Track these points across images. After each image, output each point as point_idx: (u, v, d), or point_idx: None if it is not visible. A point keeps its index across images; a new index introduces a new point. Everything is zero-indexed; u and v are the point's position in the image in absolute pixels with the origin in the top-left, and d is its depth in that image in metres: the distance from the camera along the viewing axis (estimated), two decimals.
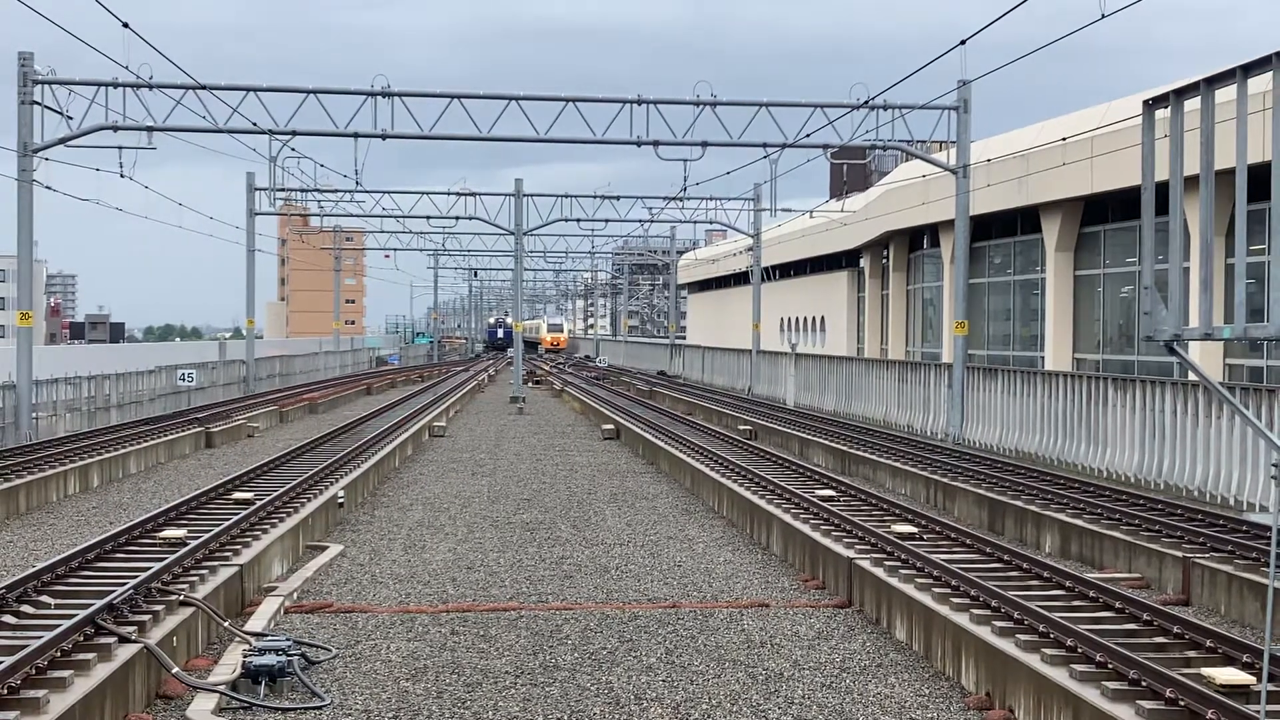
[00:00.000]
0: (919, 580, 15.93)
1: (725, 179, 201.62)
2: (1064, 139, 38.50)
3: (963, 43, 30.88)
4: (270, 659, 12.52)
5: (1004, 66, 30.62)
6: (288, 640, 13.40)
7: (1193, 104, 6.75)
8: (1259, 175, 5.95)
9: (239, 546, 18.30)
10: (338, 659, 13.91)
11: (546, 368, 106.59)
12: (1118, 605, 14.50)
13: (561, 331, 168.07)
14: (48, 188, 38.14)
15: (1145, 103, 7.11)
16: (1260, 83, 6.44)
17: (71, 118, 36.82)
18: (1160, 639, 13.20)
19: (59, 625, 12.64)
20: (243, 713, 11.94)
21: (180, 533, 19.12)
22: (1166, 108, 6.87)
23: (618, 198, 66.50)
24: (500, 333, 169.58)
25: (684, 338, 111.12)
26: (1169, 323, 6.90)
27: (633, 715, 11.99)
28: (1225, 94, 6.54)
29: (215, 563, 17.02)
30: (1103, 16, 22.10)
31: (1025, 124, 47.66)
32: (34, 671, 11.30)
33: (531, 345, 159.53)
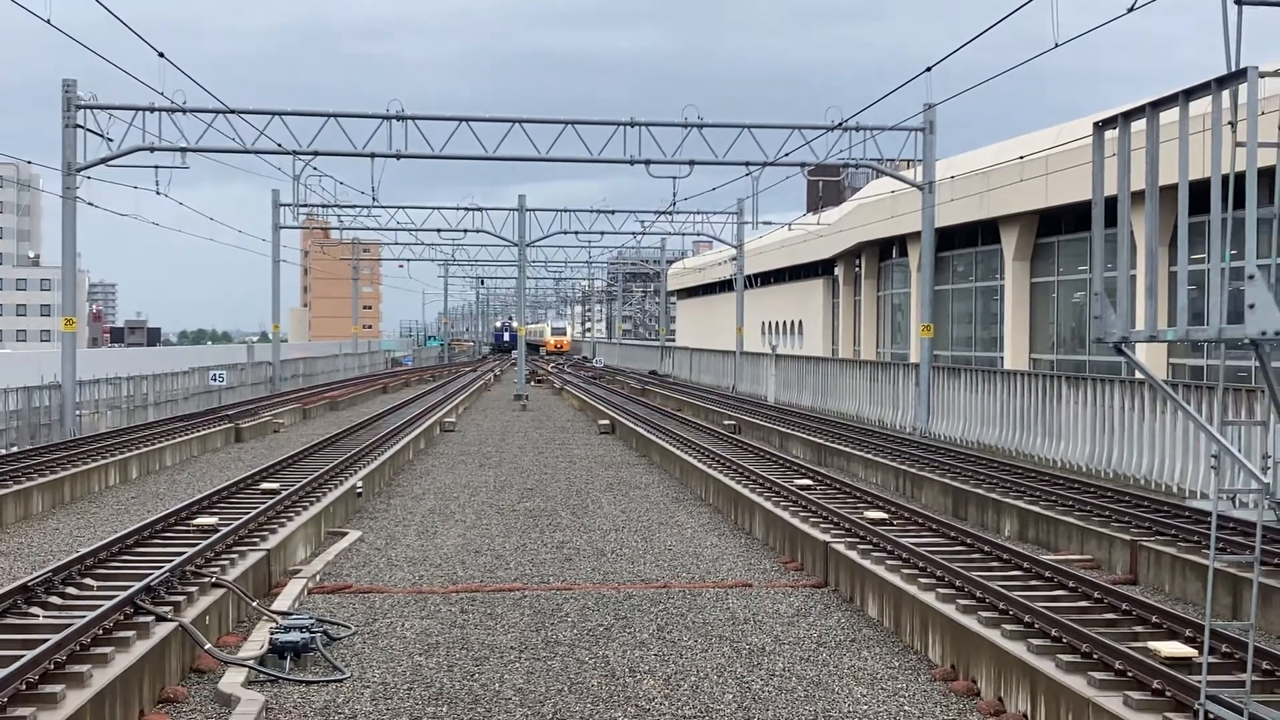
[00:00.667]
0: (889, 562, 15.93)
1: (711, 194, 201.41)
2: (1021, 157, 38.52)
3: (928, 69, 30.89)
4: (295, 636, 12.50)
5: (966, 91, 30.64)
6: (311, 619, 13.39)
7: (1139, 125, 6.75)
8: (1199, 191, 5.95)
9: (266, 533, 18.27)
10: (357, 636, 13.89)
11: (548, 368, 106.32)
12: (1071, 585, 14.50)
13: (565, 335, 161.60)
14: (90, 204, 38.11)
15: (1095, 124, 7.11)
16: (1200, 106, 6.45)
17: (111, 140, 36.78)
18: (1110, 615, 13.20)
19: (101, 605, 12.62)
20: (270, 685, 11.93)
21: (212, 520, 19.09)
22: (1115, 129, 6.87)
23: (613, 212, 66.56)
24: (506, 336, 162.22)
25: (674, 340, 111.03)
26: (1118, 326, 6.90)
27: (627, 686, 11.98)
28: (1169, 116, 6.54)
29: (244, 548, 16.99)
30: (1056, 45, 22.11)
31: (985, 144, 47.71)
32: (78, 648, 11.28)
33: (535, 348, 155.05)
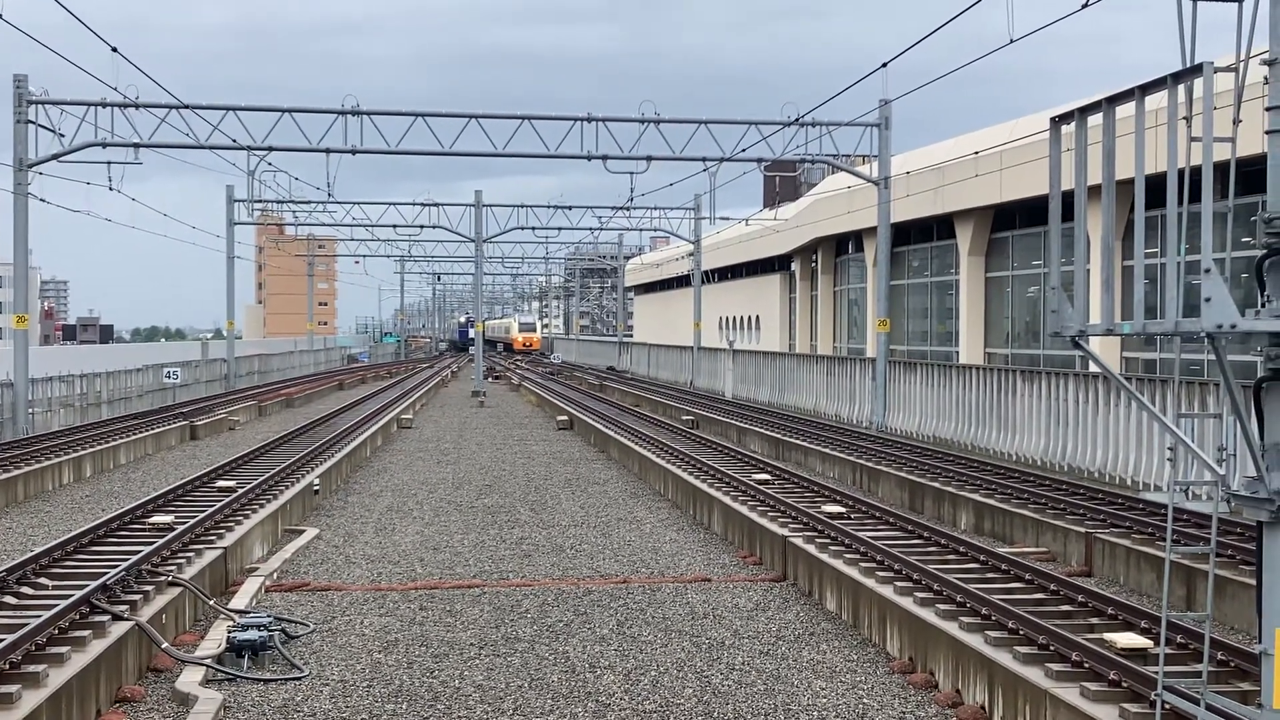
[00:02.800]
0: (847, 556, 15.99)
1: (668, 190, 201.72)
2: (976, 153, 38.71)
3: (884, 65, 31.01)
4: (252, 634, 12.43)
5: (922, 87, 30.76)
6: (269, 617, 13.31)
7: (1095, 120, 6.79)
8: (1155, 185, 6.00)
9: (223, 531, 18.17)
10: (315, 634, 13.83)
11: (505, 364, 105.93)
12: (1027, 577, 14.59)
13: (534, 331, 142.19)
14: (42, 200, 37.70)
15: (1052, 119, 7.15)
16: (1156, 101, 6.50)
17: (64, 135, 36.44)
18: (1066, 607, 13.30)
19: (57, 605, 12.51)
20: (228, 684, 11.85)
21: (168, 518, 18.96)
22: (1072, 124, 6.91)
23: (570, 207, 66.45)
24: (471, 333, 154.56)
25: (631, 336, 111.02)
26: (1074, 320, 6.95)
27: (587, 682, 11.98)
28: (1125, 111, 6.59)
29: (201, 546, 16.89)
30: (1011, 41, 22.23)
31: (941, 139, 47.92)
32: (34, 648, 11.18)
33: (500, 346, 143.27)
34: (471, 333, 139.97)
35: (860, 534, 17.13)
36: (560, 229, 69.08)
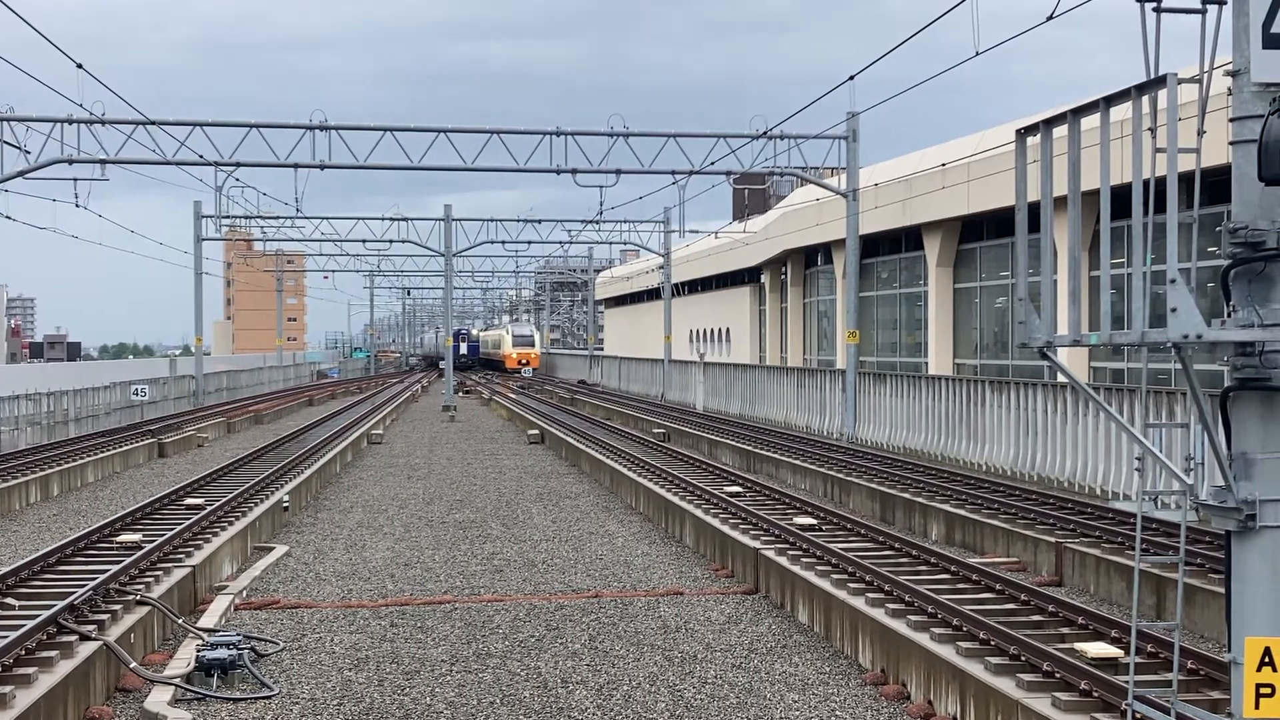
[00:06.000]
0: (819, 568, 16.00)
1: (638, 203, 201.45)
2: (943, 165, 38.87)
3: (851, 78, 31.12)
4: (222, 653, 12.34)
5: (888, 100, 30.88)
6: (238, 635, 13.22)
7: (1060, 132, 6.81)
8: (1121, 196, 6.02)
9: (191, 549, 18.05)
10: (285, 651, 13.74)
11: (475, 379, 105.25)
12: (998, 587, 14.62)
13: (532, 346, 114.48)
14: (7, 217, 37.59)
15: (1018, 131, 7.16)
16: (1121, 112, 6.52)
17: (29, 152, 36.22)
18: (1037, 617, 13.32)
19: (23, 625, 12.39)
20: (197, 703, 11.76)
21: (136, 537, 18.83)
22: (1037, 135, 6.93)
23: (539, 221, 66.50)
24: (464, 348, 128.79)
25: (602, 349, 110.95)
26: (1042, 330, 6.96)
27: (560, 697, 11.93)
28: (1090, 122, 6.61)
29: (169, 564, 16.77)
30: (977, 54, 22.33)
31: (908, 151, 48.08)
32: (1, 669, 11.07)
33: (490, 364, 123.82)
34: (465, 349, 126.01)
35: (832, 546, 17.13)
36: (530, 243, 69.38)
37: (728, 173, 41.41)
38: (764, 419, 46.42)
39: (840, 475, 27.13)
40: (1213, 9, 6.26)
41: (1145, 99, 6.27)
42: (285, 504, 24.15)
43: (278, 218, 62.00)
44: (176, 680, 12.13)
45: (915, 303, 47.43)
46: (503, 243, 67.75)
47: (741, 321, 69.87)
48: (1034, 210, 7.26)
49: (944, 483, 24.38)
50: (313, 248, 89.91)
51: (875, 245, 48.61)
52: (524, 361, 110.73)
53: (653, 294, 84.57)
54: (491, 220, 65.84)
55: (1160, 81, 6.11)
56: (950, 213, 41.06)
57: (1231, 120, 6.22)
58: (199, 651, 12.54)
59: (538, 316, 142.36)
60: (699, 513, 21.27)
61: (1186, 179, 6.11)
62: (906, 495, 23.39)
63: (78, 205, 38.30)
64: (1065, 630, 12.73)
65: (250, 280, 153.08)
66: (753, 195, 56.60)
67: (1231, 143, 6.23)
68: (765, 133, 38.74)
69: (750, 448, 34.37)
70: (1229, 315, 6.16)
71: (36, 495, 27.78)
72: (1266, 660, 6.03)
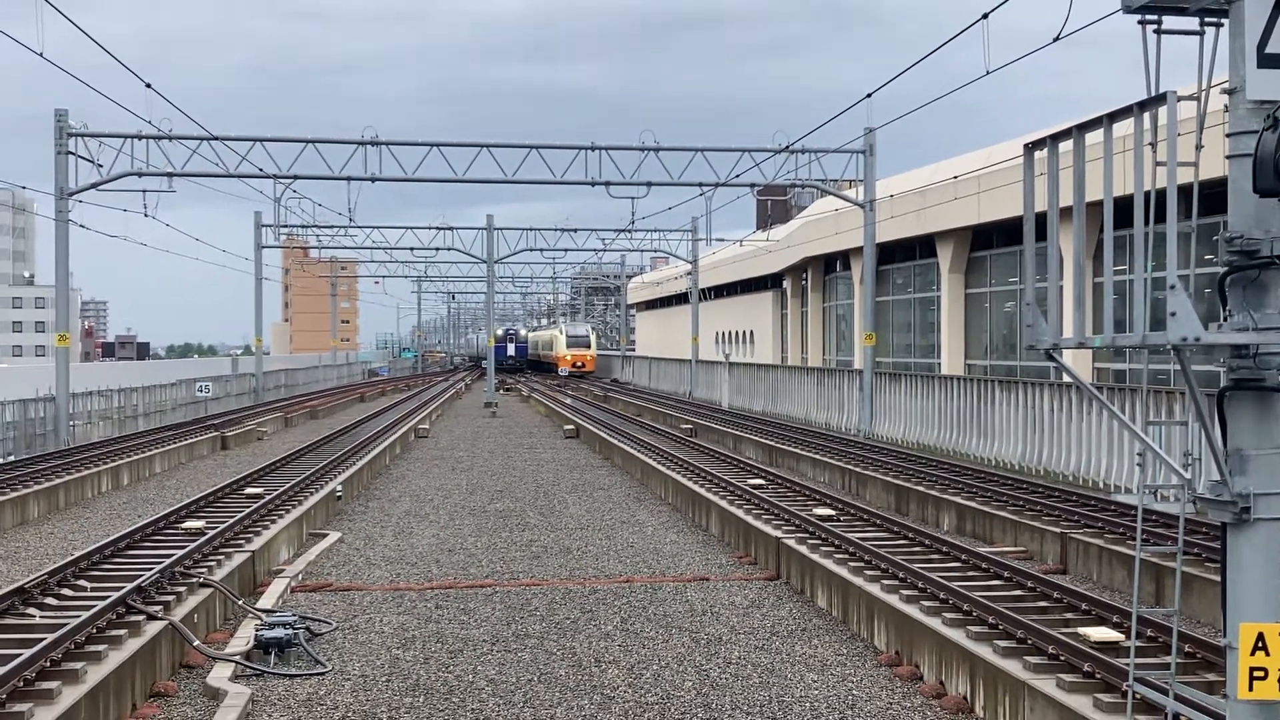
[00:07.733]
0: (837, 556, 15.95)
1: (667, 213, 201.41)
2: (955, 177, 38.71)
3: (869, 96, 31.03)
4: (279, 632, 12.40)
5: (904, 116, 30.79)
6: (294, 616, 13.29)
7: (1066, 146, 6.78)
8: (1123, 207, 5.99)
9: (251, 535, 18.14)
10: (337, 631, 13.79)
11: (515, 378, 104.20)
12: (1006, 575, 14.55)
13: (588, 347, 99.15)
14: (82, 226, 37.86)
15: (1026, 146, 7.13)
16: (1123, 128, 6.49)
17: (101, 165, 36.53)
18: (1043, 603, 13.26)
19: (94, 605, 12.49)
20: (256, 679, 11.82)
21: (200, 524, 18.94)
22: (1044, 149, 6.90)
23: (575, 230, 66.55)
24: (511, 349, 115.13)
25: (634, 350, 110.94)
26: (1048, 333, 6.92)
27: (593, 675, 11.94)
28: (1094, 138, 6.58)
29: (230, 549, 16.86)
30: (988, 73, 22.23)
31: (922, 165, 47.91)
32: (73, 647, 11.15)
33: (540, 365, 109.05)
34: (513, 349, 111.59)
35: (849, 535, 17.09)
36: (566, 250, 69.21)
37: (752, 185, 41.38)
38: (785, 416, 46.33)
39: (857, 469, 27.05)
40: (1210, 30, 6.22)
41: (1146, 115, 6.23)
42: (338, 493, 24.25)
43: (332, 227, 62.30)
44: (236, 657, 12.19)
45: (929, 307, 47.25)
46: (541, 250, 67.78)
47: (764, 324, 69.75)
48: (1041, 220, 7.23)
49: (955, 476, 24.28)
50: (364, 255, 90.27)
51: (891, 253, 48.46)
52: (579, 364, 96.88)
53: (681, 298, 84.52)
54: (530, 229, 65.96)
55: (1160, 99, 6.08)
56: (962, 222, 40.89)
57: (1228, 135, 6.18)
58: (257, 631, 12.60)
59: (573, 319, 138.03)
60: (724, 503, 21.24)
61: (1185, 191, 6.07)
62: (920, 488, 23.31)
63: (146, 215, 38.55)
64: (1069, 616, 12.66)
65: (306, 285, 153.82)
66: (775, 206, 56.59)
67: (1228, 157, 6.19)
68: (787, 147, 38.67)
69: (772, 443, 34.31)
70: (1225, 319, 6.12)
71: (108, 485, 27.97)
72: (1260, 645, 5.98)
